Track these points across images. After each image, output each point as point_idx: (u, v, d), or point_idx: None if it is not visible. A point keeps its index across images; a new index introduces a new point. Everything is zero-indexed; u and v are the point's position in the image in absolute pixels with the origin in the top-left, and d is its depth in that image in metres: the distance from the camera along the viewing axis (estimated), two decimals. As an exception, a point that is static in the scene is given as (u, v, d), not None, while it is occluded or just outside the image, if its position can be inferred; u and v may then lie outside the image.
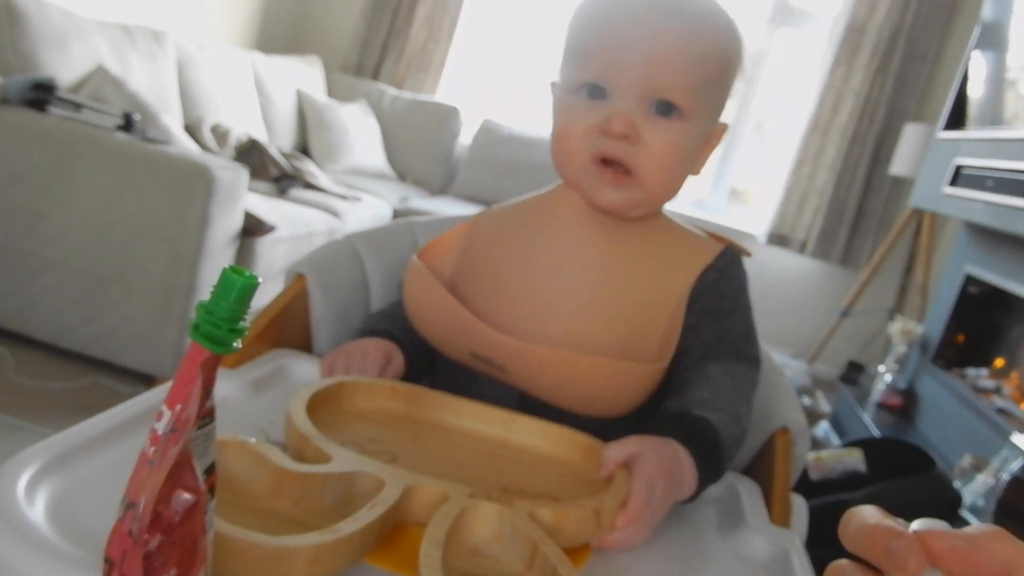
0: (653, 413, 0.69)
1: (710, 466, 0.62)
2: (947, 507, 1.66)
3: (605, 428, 0.69)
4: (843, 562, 0.33)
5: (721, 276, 0.73)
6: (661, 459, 0.59)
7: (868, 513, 0.32)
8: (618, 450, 0.59)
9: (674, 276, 0.72)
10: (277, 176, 2.59)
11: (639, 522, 0.54)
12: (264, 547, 0.38)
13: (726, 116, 0.74)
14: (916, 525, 0.31)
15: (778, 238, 3.62)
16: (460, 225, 0.79)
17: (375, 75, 3.87)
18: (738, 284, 0.76)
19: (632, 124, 0.66)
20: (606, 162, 0.68)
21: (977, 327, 2.59)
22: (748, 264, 0.78)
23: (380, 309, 0.85)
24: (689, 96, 0.67)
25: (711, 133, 0.72)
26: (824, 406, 2.92)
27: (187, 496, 0.34)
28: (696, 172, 0.73)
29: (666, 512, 0.58)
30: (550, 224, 0.73)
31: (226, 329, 0.33)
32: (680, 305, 0.70)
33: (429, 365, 0.79)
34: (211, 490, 0.35)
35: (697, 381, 0.68)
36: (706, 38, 0.68)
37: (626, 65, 0.66)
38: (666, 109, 0.67)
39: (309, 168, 2.77)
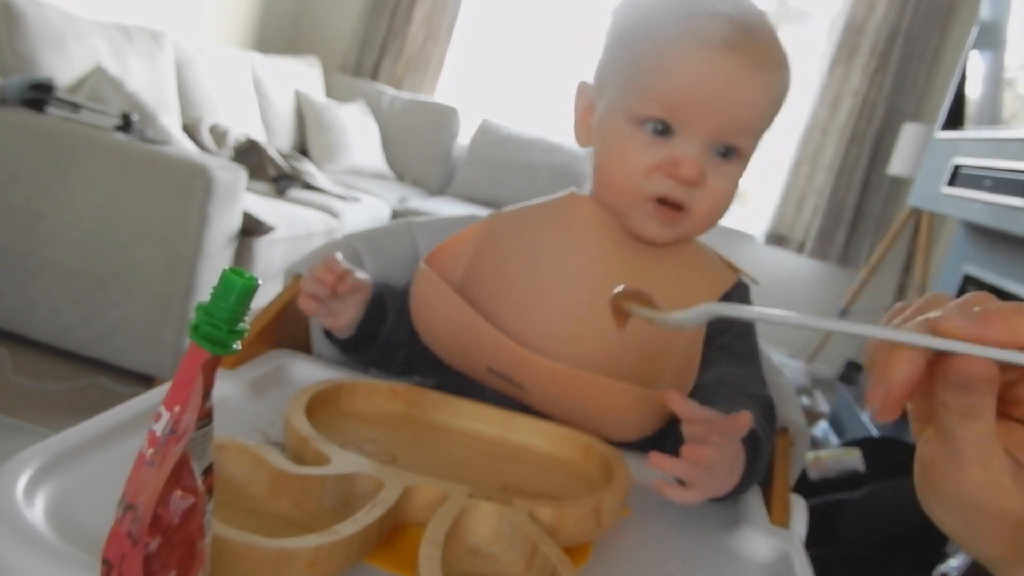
0: (656, 441, 0.66)
1: (743, 484, 0.61)
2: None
3: None
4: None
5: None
6: (736, 447, 0.57)
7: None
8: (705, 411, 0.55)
9: (689, 306, 0.70)
10: (276, 176, 2.59)
11: (704, 465, 0.52)
12: (264, 549, 0.38)
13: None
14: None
15: (777, 238, 3.62)
16: (468, 229, 0.75)
17: (374, 75, 3.87)
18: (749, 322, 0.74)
19: (703, 170, 0.66)
20: (664, 201, 0.68)
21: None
22: (748, 264, 0.78)
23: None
24: (752, 140, 0.69)
25: None
26: (823, 406, 2.92)
27: (186, 498, 0.34)
28: None
29: (713, 490, 0.56)
30: (566, 235, 0.71)
31: (226, 331, 0.33)
32: (696, 337, 0.69)
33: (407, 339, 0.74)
34: (209, 491, 0.35)
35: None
36: (778, 86, 0.68)
37: (702, 110, 0.65)
38: (727, 152, 0.68)
39: (308, 168, 2.77)
